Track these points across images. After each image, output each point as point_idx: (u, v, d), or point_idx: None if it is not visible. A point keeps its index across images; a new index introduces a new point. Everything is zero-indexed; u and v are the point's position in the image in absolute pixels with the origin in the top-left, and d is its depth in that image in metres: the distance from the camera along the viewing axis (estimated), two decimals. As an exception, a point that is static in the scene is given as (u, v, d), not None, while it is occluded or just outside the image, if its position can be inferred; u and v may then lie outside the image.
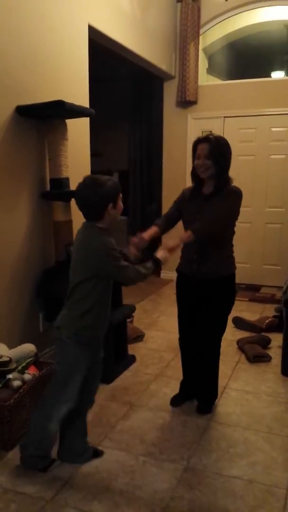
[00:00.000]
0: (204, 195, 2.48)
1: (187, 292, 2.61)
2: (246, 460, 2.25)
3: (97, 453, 2.27)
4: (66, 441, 2.20)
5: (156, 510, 1.92)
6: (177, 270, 2.65)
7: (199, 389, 2.74)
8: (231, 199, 2.43)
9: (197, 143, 2.41)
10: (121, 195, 2.01)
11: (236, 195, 2.43)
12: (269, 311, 4.52)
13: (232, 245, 2.56)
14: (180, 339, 2.75)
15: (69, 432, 2.19)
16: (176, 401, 2.76)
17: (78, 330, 2.01)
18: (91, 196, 1.93)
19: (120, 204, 2.01)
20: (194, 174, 2.48)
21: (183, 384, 2.82)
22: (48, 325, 3.26)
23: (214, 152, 2.35)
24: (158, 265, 2.19)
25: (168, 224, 2.60)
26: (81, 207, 1.97)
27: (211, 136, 2.39)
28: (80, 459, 2.21)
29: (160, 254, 2.23)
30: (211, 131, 5.48)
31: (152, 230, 2.51)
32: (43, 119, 3.04)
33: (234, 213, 2.46)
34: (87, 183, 1.94)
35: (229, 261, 2.55)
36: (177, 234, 2.43)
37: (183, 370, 2.81)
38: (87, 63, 3.59)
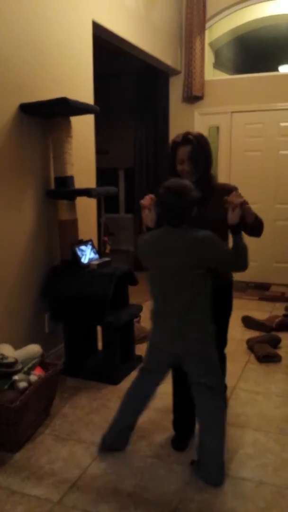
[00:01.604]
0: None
1: None
2: (256, 462, 2.21)
3: None
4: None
5: (165, 513, 1.89)
6: None
7: None
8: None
9: (176, 146, 2.18)
10: None
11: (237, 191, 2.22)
12: (279, 310, 4.46)
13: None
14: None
15: None
16: (179, 444, 2.34)
17: (209, 329, 2.06)
18: (183, 203, 1.94)
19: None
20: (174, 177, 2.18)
21: (177, 423, 2.42)
22: (54, 325, 3.24)
23: (198, 155, 2.16)
24: (239, 230, 2.04)
25: None
26: (171, 215, 1.99)
27: (191, 137, 2.16)
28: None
29: (230, 219, 2.03)
30: (218, 127, 5.47)
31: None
32: (47, 116, 3.01)
33: None
34: (176, 191, 1.94)
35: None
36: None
37: (176, 404, 2.44)
38: (92, 59, 3.56)
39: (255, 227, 2.18)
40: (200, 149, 2.17)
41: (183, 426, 2.38)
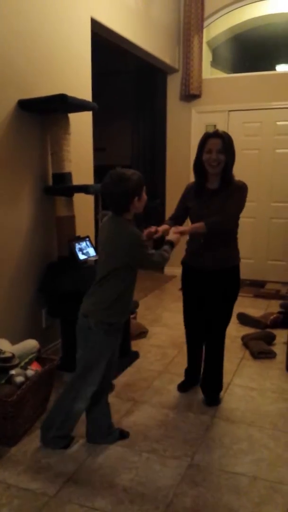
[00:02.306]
0: (210, 190, 2.52)
1: (193, 283, 2.67)
2: (251, 457, 2.23)
3: (124, 435, 2.38)
4: (92, 423, 2.33)
5: (160, 507, 1.91)
6: (183, 263, 2.72)
7: (205, 382, 2.76)
8: (241, 194, 2.50)
9: (207, 137, 2.44)
10: (144, 187, 2.10)
11: (245, 190, 2.51)
12: (274, 307, 4.49)
13: (237, 237, 2.62)
14: (187, 331, 2.80)
15: (94, 415, 2.33)
16: (183, 387, 2.84)
17: (105, 318, 2.14)
18: (119, 191, 2.02)
19: (144, 196, 2.12)
20: (199, 168, 2.51)
21: (188, 371, 2.89)
22: (51, 321, 3.25)
23: (226, 147, 2.41)
24: (172, 247, 2.30)
25: (177, 223, 2.62)
26: (109, 202, 2.08)
27: (221, 132, 2.45)
28: (108, 438, 2.33)
29: (171, 236, 2.35)
30: (215, 125, 5.48)
31: (164, 226, 2.57)
32: (46, 113, 3.02)
33: (243, 208, 2.53)
34: (114, 179, 2.02)
35: (235, 252, 2.61)
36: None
37: (189, 359, 2.87)
38: (90, 56, 3.56)
39: (214, 230, 2.44)
40: (228, 143, 2.44)
41: (191, 374, 2.88)
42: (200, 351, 2.81)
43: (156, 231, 2.47)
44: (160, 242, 2.39)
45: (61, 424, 2.25)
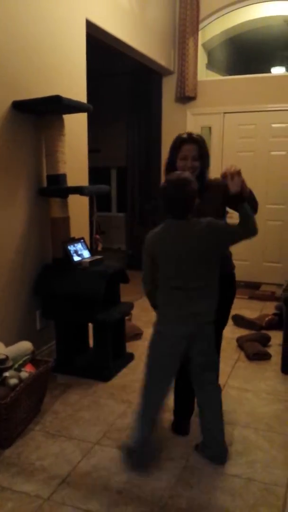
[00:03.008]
0: None
1: None
2: (246, 459, 2.23)
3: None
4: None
5: (155, 509, 1.90)
6: None
7: None
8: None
9: (181, 142, 2.29)
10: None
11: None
12: (269, 308, 4.49)
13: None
14: None
15: None
16: (182, 428, 2.48)
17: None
18: (185, 194, 2.02)
19: None
20: (172, 171, 2.28)
21: (180, 407, 2.52)
22: (46, 323, 3.24)
23: (202, 153, 2.29)
24: (243, 198, 2.11)
25: None
26: (179, 206, 2.05)
27: (195, 136, 2.30)
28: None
29: (232, 189, 2.09)
30: (210, 128, 5.49)
31: None
32: (40, 114, 3.01)
33: None
34: (180, 183, 2.02)
35: (229, 255, 2.55)
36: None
37: (179, 392, 2.51)
38: (85, 58, 3.56)
39: (251, 199, 2.25)
40: (203, 148, 2.30)
41: (184, 411, 2.52)
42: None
43: None
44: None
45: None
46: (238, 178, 2.09)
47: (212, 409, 2.21)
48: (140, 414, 2.16)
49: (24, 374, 2.45)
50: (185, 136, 2.30)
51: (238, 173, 2.10)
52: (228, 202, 2.30)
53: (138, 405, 2.20)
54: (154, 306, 2.29)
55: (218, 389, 2.25)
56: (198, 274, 2.07)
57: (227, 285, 2.53)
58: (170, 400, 2.51)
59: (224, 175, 2.10)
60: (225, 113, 5.41)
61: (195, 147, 2.27)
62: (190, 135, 2.31)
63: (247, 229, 2.09)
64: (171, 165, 2.33)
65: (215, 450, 2.22)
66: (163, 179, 2.40)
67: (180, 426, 2.48)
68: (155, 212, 2.50)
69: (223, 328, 2.61)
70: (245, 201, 2.10)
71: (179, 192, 2.02)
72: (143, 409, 2.15)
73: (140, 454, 2.13)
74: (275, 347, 3.57)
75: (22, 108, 2.86)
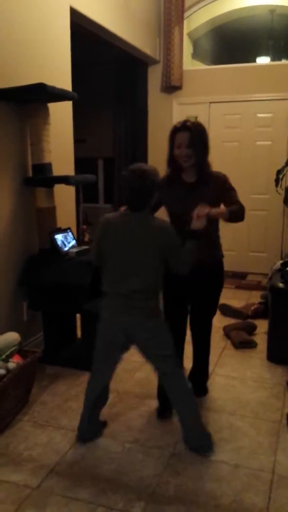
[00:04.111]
0: (187, 183, 2.41)
1: (177, 284, 2.44)
2: (232, 445, 2.26)
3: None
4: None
5: (143, 496, 1.92)
6: None
7: (195, 374, 2.74)
8: (231, 186, 2.44)
9: (175, 131, 2.32)
10: None
11: (229, 180, 2.45)
12: (255, 298, 4.53)
13: (219, 234, 2.56)
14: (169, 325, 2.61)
15: None
16: (164, 414, 2.53)
17: None
18: (145, 186, 2.01)
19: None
20: (172, 162, 2.39)
21: (162, 394, 2.53)
22: (33, 314, 3.22)
23: (195, 140, 2.29)
24: (198, 237, 2.15)
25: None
26: (135, 197, 2.05)
27: (189, 124, 2.31)
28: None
29: (193, 225, 2.15)
30: (196, 117, 5.48)
31: None
32: (24, 103, 2.97)
33: None
34: (139, 174, 2.01)
35: (219, 245, 2.56)
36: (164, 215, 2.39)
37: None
38: (69, 45, 3.51)
39: (233, 218, 2.33)
40: (197, 135, 2.30)
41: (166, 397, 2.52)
42: (182, 356, 2.62)
43: None
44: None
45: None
46: (204, 220, 2.14)
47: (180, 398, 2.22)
48: None
49: (11, 364, 2.44)
50: (179, 124, 2.33)
51: (206, 215, 2.15)
52: (224, 197, 2.37)
53: None
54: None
55: (176, 376, 2.22)
56: (137, 272, 2.07)
57: (217, 273, 2.58)
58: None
59: (193, 215, 2.16)
60: (211, 102, 5.40)
61: (188, 134, 2.28)
62: (184, 122, 2.32)
63: (185, 260, 2.12)
64: (170, 154, 2.38)
65: (195, 441, 2.21)
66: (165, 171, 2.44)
67: (162, 410, 2.53)
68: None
69: (212, 315, 2.65)
70: (196, 239, 2.14)
71: (138, 184, 2.01)
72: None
73: (84, 431, 2.28)
74: (261, 336, 3.61)
75: (5, 96, 2.82)
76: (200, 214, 2.15)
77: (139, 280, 2.07)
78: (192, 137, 2.28)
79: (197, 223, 2.14)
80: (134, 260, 2.07)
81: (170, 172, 2.45)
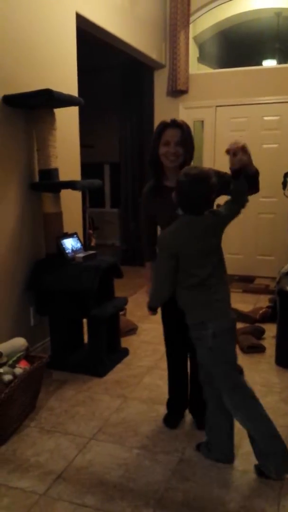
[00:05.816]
0: (168, 188, 2.17)
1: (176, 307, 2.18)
2: (241, 451, 2.24)
3: None
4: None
5: (151, 502, 1.90)
6: None
7: (195, 402, 2.46)
8: None
9: (163, 128, 2.16)
10: None
11: None
12: (263, 301, 4.50)
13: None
14: (170, 349, 2.50)
15: None
16: (172, 422, 2.46)
17: None
18: (209, 189, 1.92)
19: None
20: (155, 163, 2.22)
21: (171, 404, 2.52)
22: (40, 319, 3.23)
23: (186, 138, 2.15)
24: (239, 175, 1.99)
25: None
26: (195, 202, 1.94)
27: (179, 121, 2.18)
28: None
29: (235, 162, 1.95)
30: (203, 121, 5.48)
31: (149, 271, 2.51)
32: (31, 108, 2.98)
33: None
34: (199, 179, 1.89)
35: None
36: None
37: (171, 388, 2.53)
38: (75, 51, 3.53)
39: (257, 176, 2.16)
40: (188, 134, 2.18)
41: (177, 405, 2.51)
42: (186, 370, 2.47)
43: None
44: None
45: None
46: (241, 154, 1.93)
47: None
48: None
49: (18, 370, 2.44)
50: (168, 121, 2.19)
51: (242, 149, 1.94)
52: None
53: None
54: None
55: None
56: (214, 265, 2.03)
57: None
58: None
59: (227, 151, 1.96)
60: (217, 106, 5.40)
61: (178, 131, 2.15)
62: (174, 119, 2.19)
63: (240, 204, 2.07)
64: (154, 153, 2.21)
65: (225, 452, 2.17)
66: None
67: (170, 419, 2.47)
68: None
69: None
70: (242, 177, 1.99)
71: (202, 188, 1.89)
72: None
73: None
74: (269, 340, 3.58)
75: (12, 102, 2.84)
76: (234, 149, 1.93)
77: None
78: (183, 134, 2.15)
79: (235, 162, 1.94)
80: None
81: (154, 182, 2.29)
